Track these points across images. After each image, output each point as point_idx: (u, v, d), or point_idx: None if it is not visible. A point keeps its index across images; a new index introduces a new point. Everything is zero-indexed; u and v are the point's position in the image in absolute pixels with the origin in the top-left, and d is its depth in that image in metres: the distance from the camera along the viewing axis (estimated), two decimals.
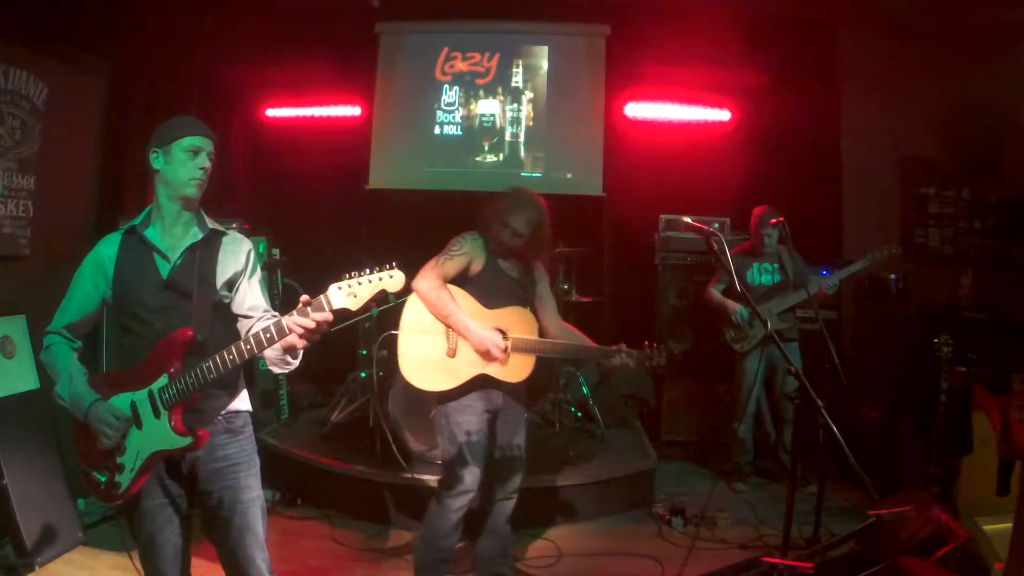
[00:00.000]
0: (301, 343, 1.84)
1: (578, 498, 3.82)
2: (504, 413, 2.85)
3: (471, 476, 2.72)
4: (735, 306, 4.19)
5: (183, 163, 1.95)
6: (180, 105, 5.03)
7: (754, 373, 4.15)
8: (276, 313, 2.08)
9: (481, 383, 2.73)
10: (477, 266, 2.75)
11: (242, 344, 1.85)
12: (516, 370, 2.77)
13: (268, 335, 1.82)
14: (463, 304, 2.72)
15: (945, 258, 5.16)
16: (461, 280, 2.76)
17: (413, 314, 2.75)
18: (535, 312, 2.87)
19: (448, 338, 2.73)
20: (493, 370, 2.73)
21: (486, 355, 2.68)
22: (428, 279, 2.67)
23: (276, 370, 2.02)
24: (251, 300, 2.08)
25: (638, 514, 3.90)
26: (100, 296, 2.01)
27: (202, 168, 1.96)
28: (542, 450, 4.20)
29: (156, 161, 1.96)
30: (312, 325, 1.79)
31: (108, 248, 2.01)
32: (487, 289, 2.75)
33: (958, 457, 3.25)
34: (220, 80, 5.43)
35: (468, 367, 2.71)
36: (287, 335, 1.81)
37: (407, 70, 5.76)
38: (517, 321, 2.78)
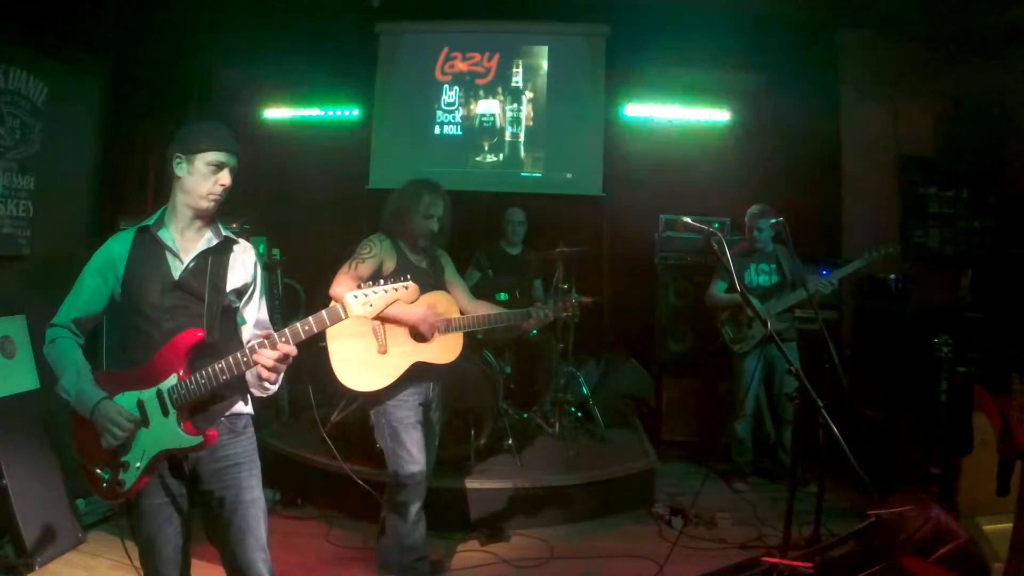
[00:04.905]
0: (271, 375, 1.91)
1: (578, 498, 3.81)
2: (434, 410, 2.96)
3: (419, 468, 2.79)
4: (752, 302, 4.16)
5: (204, 177, 1.95)
6: (180, 105, 5.05)
7: (751, 373, 4.15)
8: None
9: (417, 372, 2.80)
10: (390, 265, 2.83)
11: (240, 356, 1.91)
12: (447, 350, 2.88)
13: (241, 360, 1.89)
14: None
15: (945, 258, 5.15)
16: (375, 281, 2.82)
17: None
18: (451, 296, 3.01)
19: (377, 336, 2.78)
20: (427, 355, 2.81)
21: (428, 328, 2.76)
22: (345, 284, 2.71)
23: (257, 392, 2.06)
24: (259, 315, 2.14)
25: (638, 514, 3.90)
26: (109, 292, 2.00)
27: (222, 184, 1.97)
28: (542, 450, 4.21)
29: (179, 167, 1.96)
30: (272, 360, 1.87)
31: (120, 245, 2.00)
32: None
33: (958, 457, 3.25)
34: (220, 80, 5.43)
35: (402, 358, 2.78)
36: (252, 367, 1.89)
37: (407, 70, 5.76)
38: (438, 303, 2.89)
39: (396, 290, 1.89)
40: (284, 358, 1.89)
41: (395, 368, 2.77)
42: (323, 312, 1.89)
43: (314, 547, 3.43)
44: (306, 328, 1.90)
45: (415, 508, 2.82)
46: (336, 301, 2.69)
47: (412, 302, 2.69)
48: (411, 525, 2.82)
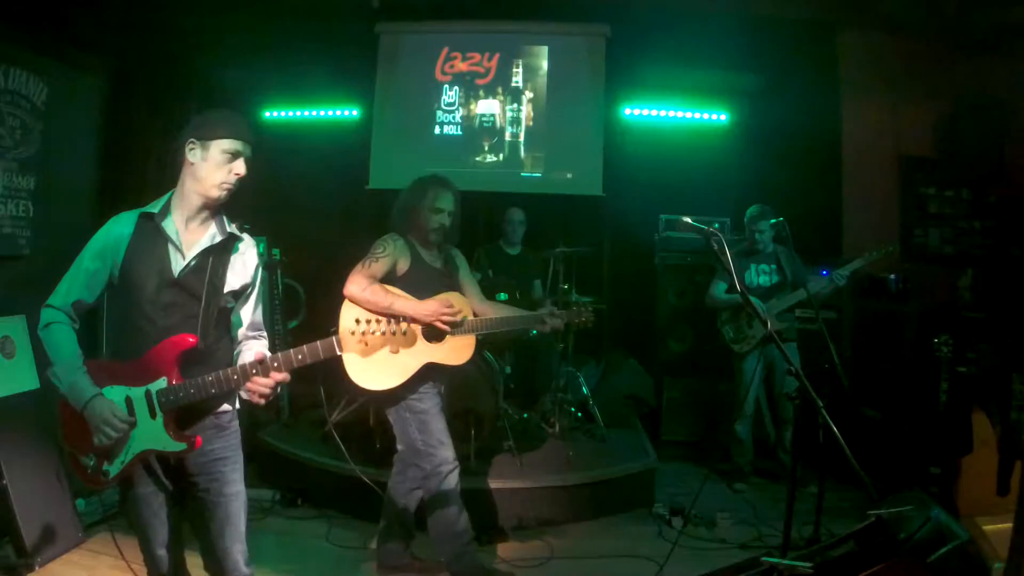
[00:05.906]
0: (261, 401, 1.95)
1: (578, 498, 3.81)
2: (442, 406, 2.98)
3: (451, 452, 2.84)
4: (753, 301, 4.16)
5: (219, 165, 1.90)
6: (180, 105, 5.05)
7: (752, 373, 4.15)
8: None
9: (427, 373, 2.79)
10: (403, 265, 2.81)
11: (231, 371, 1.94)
12: (459, 352, 2.85)
13: (232, 377, 1.93)
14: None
15: (945, 258, 5.16)
16: (388, 280, 2.80)
17: (349, 320, 2.66)
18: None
19: None
20: (438, 356, 2.79)
21: (442, 319, 2.71)
22: (358, 282, 2.69)
23: (243, 395, 2.06)
24: (254, 317, 2.14)
25: (638, 514, 3.90)
26: (108, 275, 1.94)
27: (237, 174, 1.92)
28: (542, 450, 4.20)
29: (192, 153, 1.90)
30: (265, 388, 1.93)
31: (121, 228, 1.94)
32: (417, 283, 2.80)
33: (958, 457, 3.25)
34: (220, 80, 5.43)
35: (414, 359, 2.75)
36: (243, 386, 1.94)
37: (407, 70, 5.76)
38: (452, 304, 2.85)
39: (394, 334, 2.05)
40: (276, 384, 1.93)
41: (407, 368, 2.75)
42: (318, 343, 1.95)
43: (314, 547, 3.43)
44: (299, 357, 1.93)
45: (458, 491, 2.86)
46: (349, 300, 2.71)
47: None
48: (458, 509, 2.86)
